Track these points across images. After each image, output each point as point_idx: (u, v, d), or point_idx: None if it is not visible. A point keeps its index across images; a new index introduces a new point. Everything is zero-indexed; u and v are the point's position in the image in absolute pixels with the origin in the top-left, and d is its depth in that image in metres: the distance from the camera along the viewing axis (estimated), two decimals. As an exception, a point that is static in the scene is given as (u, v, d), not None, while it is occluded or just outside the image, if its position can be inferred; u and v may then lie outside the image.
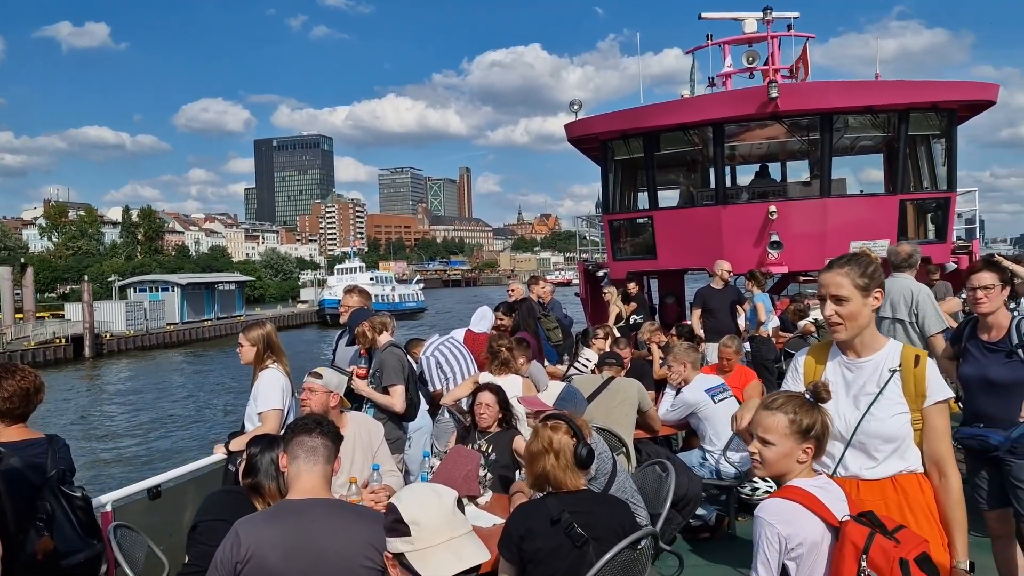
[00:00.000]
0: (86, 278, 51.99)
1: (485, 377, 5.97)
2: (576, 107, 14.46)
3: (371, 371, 5.75)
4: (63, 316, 47.09)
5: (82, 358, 41.82)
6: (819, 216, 12.20)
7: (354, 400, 5.68)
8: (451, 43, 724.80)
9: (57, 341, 41.27)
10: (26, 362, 33.35)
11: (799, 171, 16.13)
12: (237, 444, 4.82)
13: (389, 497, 4.09)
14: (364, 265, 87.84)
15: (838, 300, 2.74)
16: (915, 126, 12.40)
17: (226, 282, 63.46)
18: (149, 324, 48.79)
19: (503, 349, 5.98)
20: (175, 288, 54.83)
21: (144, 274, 71.13)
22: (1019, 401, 4.04)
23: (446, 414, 6.10)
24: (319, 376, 4.45)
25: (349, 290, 6.93)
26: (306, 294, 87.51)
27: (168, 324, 51.21)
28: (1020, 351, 4.02)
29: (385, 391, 5.61)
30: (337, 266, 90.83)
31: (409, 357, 6.09)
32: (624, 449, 5.39)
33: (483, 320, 7.84)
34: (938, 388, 2.74)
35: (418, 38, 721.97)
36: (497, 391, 5.06)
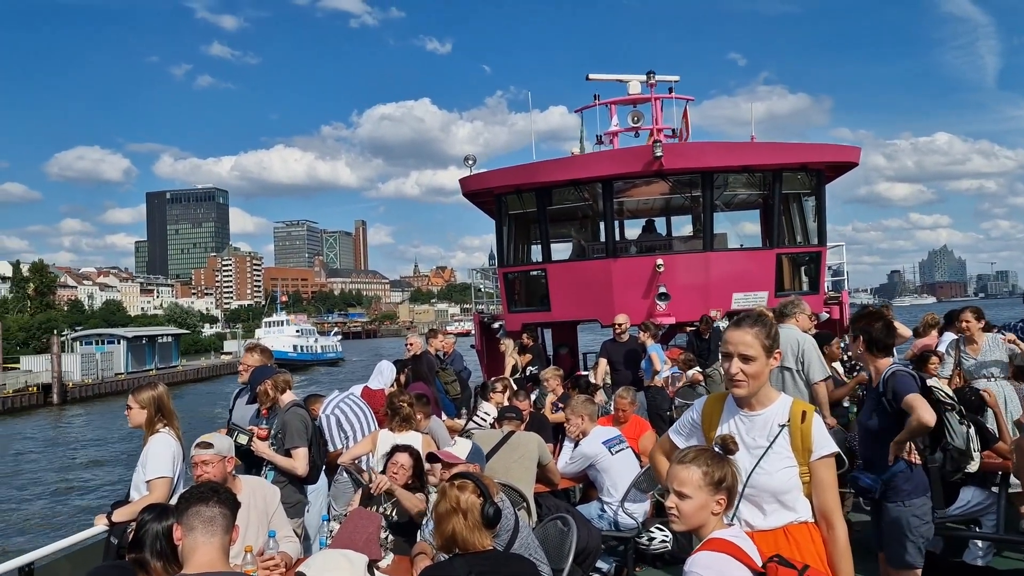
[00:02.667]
0: (56, 332, 59.10)
1: (384, 435, 5.90)
2: (471, 162, 14.71)
3: (273, 432, 5.58)
4: (18, 367, 52.46)
5: (50, 404, 47.38)
6: (703, 269, 12.78)
7: (253, 462, 5.49)
8: (340, 95, 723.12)
9: (30, 389, 47.51)
10: (5, 408, 44.12)
11: (683, 226, 16.89)
12: (121, 515, 4.56)
13: (287, 565, 3.97)
14: (289, 319, 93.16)
15: (745, 359, 2.89)
16: (787, 184, 13.25)
17: (165, 335, 70.43)
18: (101, 374, 54.15)
19: (404, 405, 5.94)
20: (121, 341, 59.94)
21: (48, 330, 76.87)
22: (887, 446, 4.33)
23: (344, 474, 5.97)
24: (209, 446, 4.25)
25: (251, 348, 6.73)
26: (229, 346, 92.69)
27: (116, 374, 55.95)
28: (884, 399, 4.29)
29: (287, 453, 5.44)
30: (265, 319, 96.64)
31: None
32: (525, 504, 5.42)
33: (380, 376, 7.75)
34: (823, 443, 2.89)
35: (306, 90, 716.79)
36: (413, 453, 5.02)
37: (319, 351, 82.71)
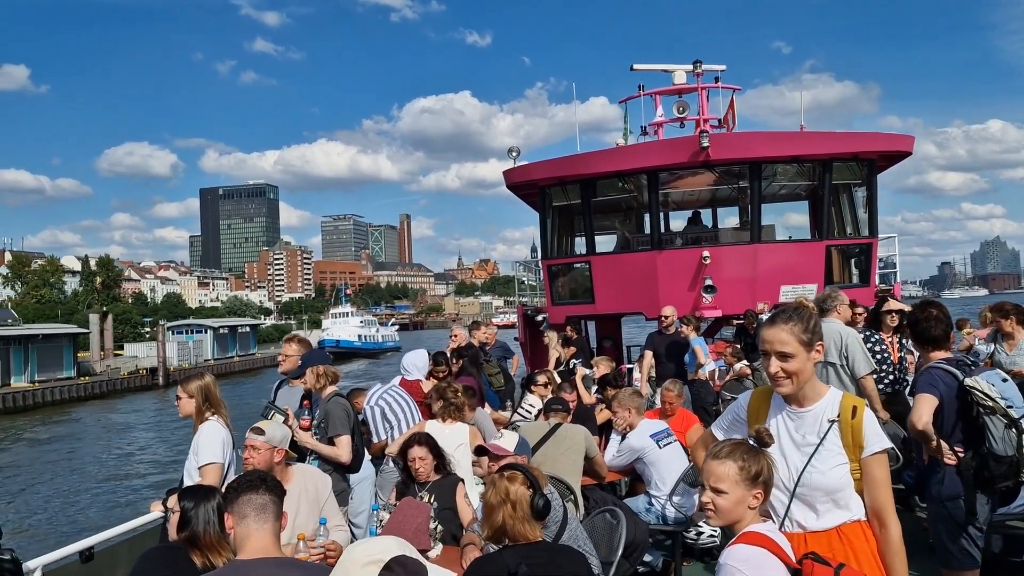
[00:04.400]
0: (162, 322, 65.70)
1: (431, 425, 5.92)
2: (515, 154, 14.71)
3: (315, 422, 5.65)
4: (122, 354, 60.03)
5: (156, 385, 53.15)
6: (750, 261, 12.60)
7: (298, 452, 5.55)
8: (381, 89, 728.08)
9: (141, 372, 54.25)
10: (122, 387, 51.18)
11: (729, 217, 16.68)
12: (176, 501, 4.66)
13: (337, 553, 4.00)
14: (354, 310, 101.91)
15: (783, 356, 2.79)
16: (838, 175, 12.99)
17: (243, 325, 77.76)
18: (195, 359, 60.38)
19: (456, 394, 5.94)
20: (207, 331, 67.08)
21: (123, 321, 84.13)
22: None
23: (390, 464, 6.01)
24: (261, 432, 4.31)
25: (289, 339, 6.81)
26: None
27: (206, 360, 62.23)
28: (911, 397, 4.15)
29: (330, 442, 5.50)
30: (331, 310, 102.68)
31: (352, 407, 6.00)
32: (572, 496, 5.39)
33: (415, 367, 7.73)
34: (875, 439, 2.80)
35: (348, 84, 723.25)
36: (427, 441, 5.02)
37: (381, 340, 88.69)
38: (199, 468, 4.77)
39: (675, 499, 5.82)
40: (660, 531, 5.98)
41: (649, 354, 10.55)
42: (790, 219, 16.60)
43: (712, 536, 6.04)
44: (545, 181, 14.28)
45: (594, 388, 9.37)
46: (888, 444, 2.88)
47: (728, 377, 10.38)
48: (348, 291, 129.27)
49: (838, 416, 2.82)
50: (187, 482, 4.89)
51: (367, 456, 6.22)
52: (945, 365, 4.28)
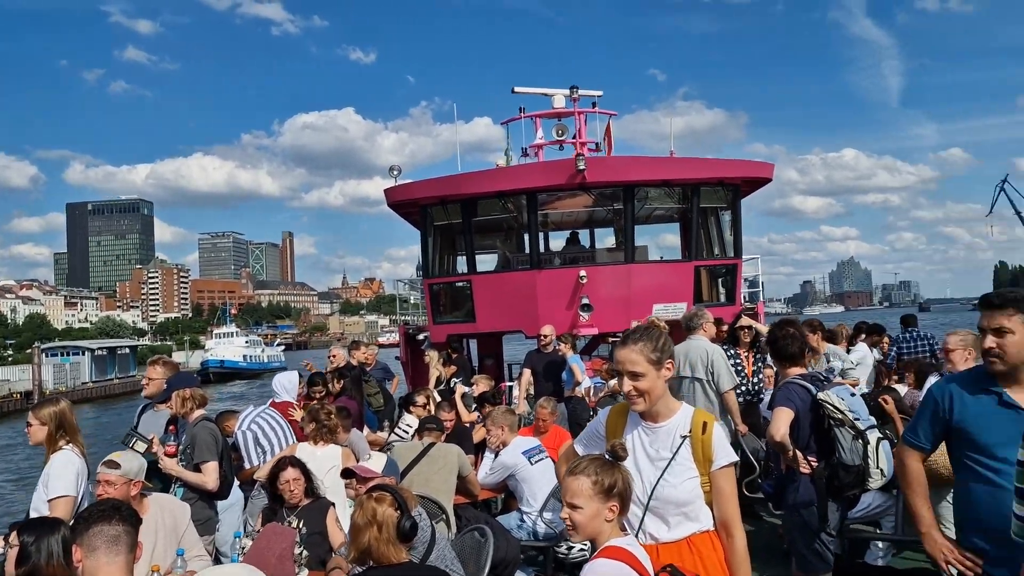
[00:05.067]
0: (37, 344, 62.41)
1: (303, 448, 5.83)
2: (396, 172, 14.67)
3: (181, 447, 5.45)
4: None
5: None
6: (625, 281, 13.03)
7: (162, 478, 5.35)
8: (261, 103, 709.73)
9: (15, 396, 51.40)
10: None
11: (606, 238, 17.19)
12: (16, 535, 4.38)
13: (196, 584, 3.89)
14: (238, 330, 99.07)
15: (634, 376, 2.92)
16: (705, 199, 13.64)
17: (123, 346, 75.20)
18: (71, 382, 57.94)
19: (327, 416, 5.87)
20: (85, 352, 63.99)
21: None
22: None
23: (260, 491, 5.87)
24: (116, 466, 4.10)
25: (153, 362, 6.56)
26: (177, 357, 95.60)
27: (83, 383, 60.09)
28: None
29: (197, 469, 5.32)
30: (214, 330, 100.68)
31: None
32: (444, 516, 5.43)
33: (285, 388, 7.62)
34: (723, 453, 2.97)
35: (226, 97, 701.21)
36: (299, 463, 4.97)
37: (266, 360, 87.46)
38: (48, 501, 4.51)
39: (546, 515, 5.95)
40: (532, 547, 6.09)
41: (528, 372, 10.73)
42: (666, 239, 17.28)
43: (583, 550, 6.19)
44: (426, 200, 14.31)
45: (474, 406, 9.46)
46: (735, 458, 3.07)
47: (603, 393, 10.69)
48: (232, 311, 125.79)
49: (690, 431, 2.98)
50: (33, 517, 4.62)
51: (236, 482, 6.05)
52: (800, 380, 4.59)
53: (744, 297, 14.72)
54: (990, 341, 3.12)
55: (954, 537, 3.38)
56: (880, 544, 6.16)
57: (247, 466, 6.34)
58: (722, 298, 14.27)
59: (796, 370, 4.70)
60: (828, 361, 8.82)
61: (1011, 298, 3.14)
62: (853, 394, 4.60)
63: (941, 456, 3.60)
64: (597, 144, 15.75)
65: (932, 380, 5.22)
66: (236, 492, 6.04)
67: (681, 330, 7.51)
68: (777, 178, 14.73)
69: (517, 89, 16.17)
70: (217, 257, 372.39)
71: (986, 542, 3.13)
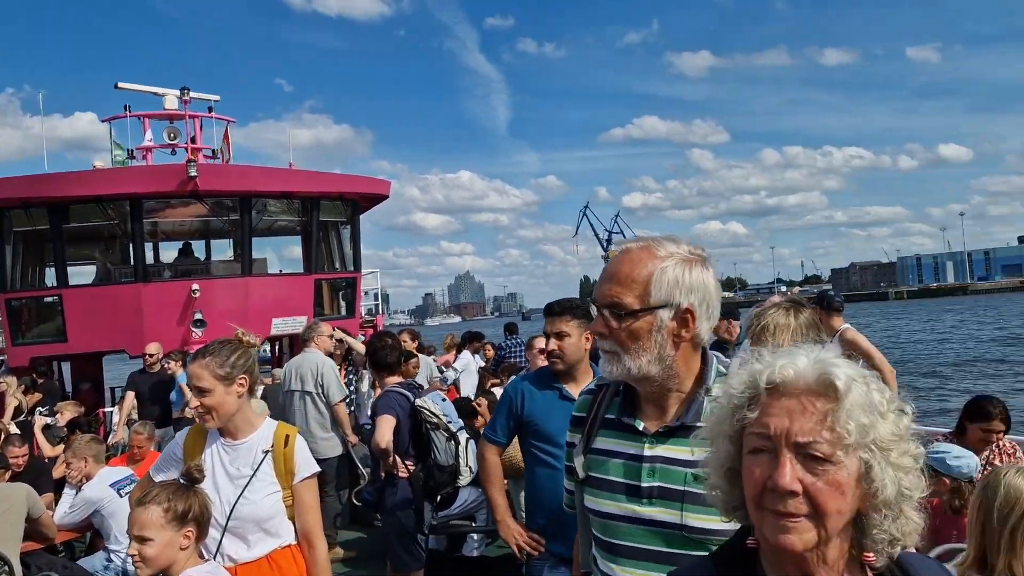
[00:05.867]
0: None
1: None
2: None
3: None
4: None
5: None
6: (242, 294, 12.57)
7: None
8: None
9: None
10: None
11: (224, 250, 16.43)
12: None
13: None
14: None
15: (200, 392, 2.81)
16: (325, 212, 13.75)
17: None
18: None
19: None
20: None
21: None
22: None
23: None
24: None
25: None
26: None
27: None
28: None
29: None
30: None
31: None
32: (7, 568, 4.71)
33: None
34: (305, 465, 2.97)
35: None
36: None
37: None
38: None
39: (137, 550, 5.46)
40: (122, 587, 5.55)
41: (131, 395, 9.77)
42: (294, 252, 17.02)
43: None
44: (5, 203, 12.36)
45: (62, 436, 8.35)
46: (317, 469, 3.10)
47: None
48: None
49: (272, 446, 2.95)
50: None
51: None
52: (399, 388, 4.84)
53: (371, 310, 15.11)
54: (552, 344, 3.57)
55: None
56: (475, 536, 6.71)
57: None
58: (343, 311, 14.47)
59: (394, 379, 4.94)
60: (442, 372, 9.49)
61: (568, 306, 3.62)
62: (444, 399, 4.98)
63: (517, 450, 4.04)
64: (214, 151, 15.00)
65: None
66: None
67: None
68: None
69: (121, 85, 14.76)
70: None
71: (547, 521, 3.53)
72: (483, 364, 11.36)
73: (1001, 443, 4.55)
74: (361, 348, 9.54)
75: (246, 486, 2.87)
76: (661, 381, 1.73)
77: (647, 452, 1.74)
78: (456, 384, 9.90)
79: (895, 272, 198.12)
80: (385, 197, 15.00)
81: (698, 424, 1.67)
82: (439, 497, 5.20)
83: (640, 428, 1.76)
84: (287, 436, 2.98)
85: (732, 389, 1.15)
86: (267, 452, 2.93)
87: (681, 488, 1.68)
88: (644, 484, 1.72)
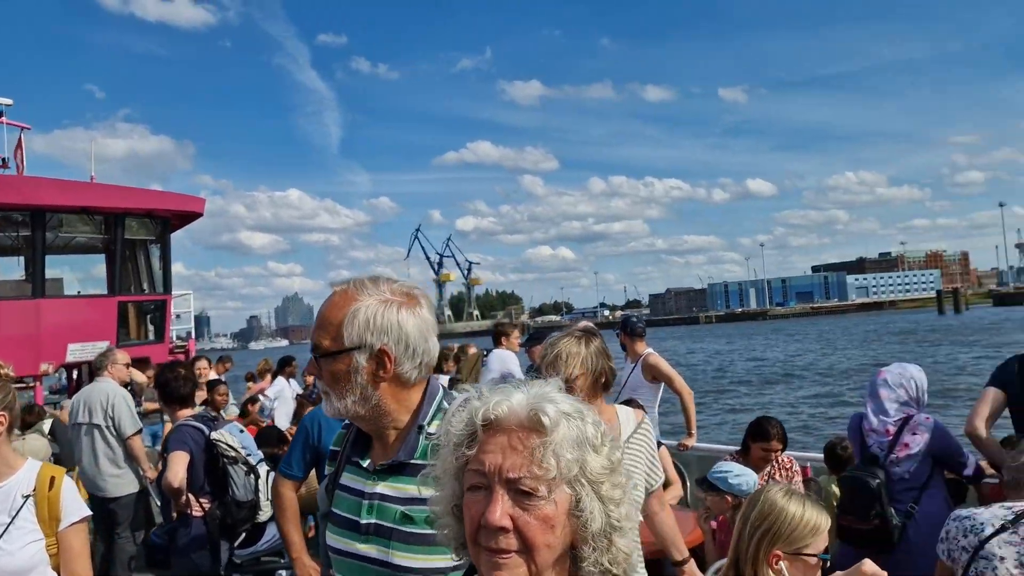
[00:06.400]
0: None
1: None
2: None
3: None
4: None
5: None
6: (32, 317, 11.50)
7: None
8: None
9: None
10: None
11: (14, 268, 14.98)
12: None
13: None
14: None
15: None
16: (131, 230, 12.89)
17: None
18: None
19: None
20: None
21: None
22: None
23: None
24: None
25: None
26: None
27: None
28: None
29: None
30: None
31: None
32: None
33: None
34: (74, 509, 2.73)
35: None
36: None
37: None
38: None
39: None
40: None
41: None
42: (98, 272, 15.77)
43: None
44: None
45: None
46: (87, 512, 2.86)
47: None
48: None
49: (34, 490, 2.71)
50: None
51: None
52: (193, 422, 4.57)
53: (174, 334, 14.26)
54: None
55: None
56: (284, 573, 6.48)
57: None
58: (151, 336, 13.59)
59: (186, 412, 4.69)
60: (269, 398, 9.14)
61: None
62: (242, 430, 4.79)
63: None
64: (4, 160, 13.70)
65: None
66: None
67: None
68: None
69: None
70: None
71: None
72: (300, 391, 11.02)
73: (780, 459, 4.98)
74: (142, 378, 9.01)
75: (2, 535, 2.62)
76: (373, 420, 1.76)
77: (368, 489, 1.76)
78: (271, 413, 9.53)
79: (706, 298, 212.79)
80: (199, 215, 14.26)
81: (413, 461, 1.72)
82: (243, 534, 4.97)
83: (365, 464, 1.79)
84: (52, 478, 2.73)
85: (452, 427, 1.16)
86: (28, 496, 2.68)
87: (391, 525, 1.69)
88: (363, 521, 1.73)
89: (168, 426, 4.64)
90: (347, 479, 1.83)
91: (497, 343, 7.60)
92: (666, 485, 5.66)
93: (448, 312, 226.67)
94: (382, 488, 1.74)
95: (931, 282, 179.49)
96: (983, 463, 3.89)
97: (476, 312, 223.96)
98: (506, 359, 7.32)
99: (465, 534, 1.14)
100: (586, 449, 1.11)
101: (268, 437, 6.66)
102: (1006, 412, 4.00)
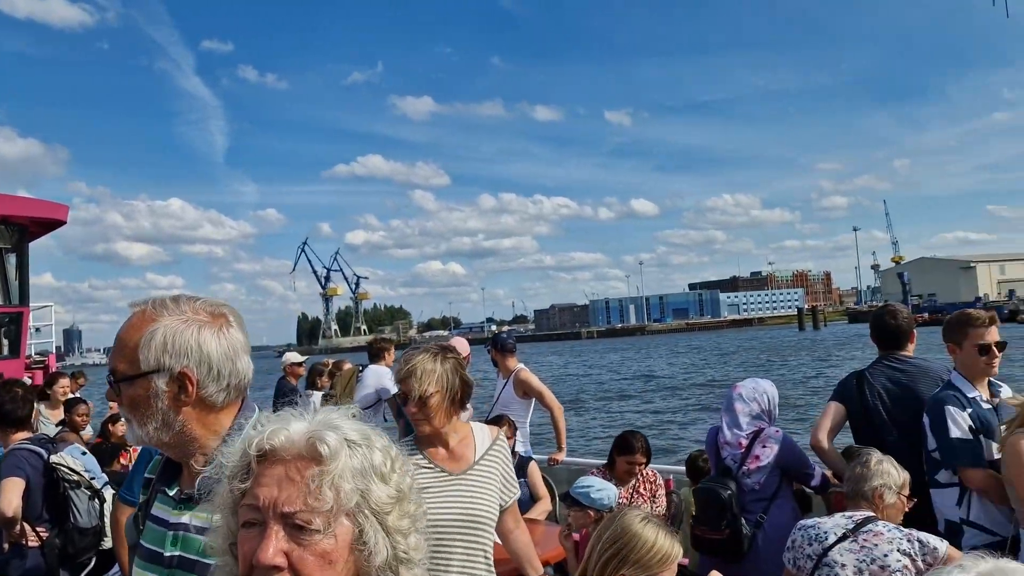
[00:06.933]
0: None
1: None
2: None
3: None
4: None
5: None
6: None
7: None
8: None
9: None
10: None
11: None
12: None
13: None
14: None
15: None
16: (-17, 238, 12.01)
17: None
18: None
19: None
20: None
21: None
22: None
23: None
24: None
25: None
26: None
27: None
28: None
29: None
30: None
31: None
32: None
33: None
34: None
35: None
36: None
37: None
38: None
39: None
40: None
41: None
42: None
43: None
44: None
45: None
46: None
47: None
48: None
49: None
50: None
51: None
52: (29, 445, 4.28)
53: (32, 349, 13.34)
54: None
55: None
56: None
57: None
58: (4, 351, 12.65)
59: (22, 435, 4.40)
60: None
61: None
62: (84, 452, 4.55)
63: None
64: None
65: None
66: None
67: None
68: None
69: None
70: None
71: None
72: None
73: (644, 472, 5.17)
74: None
75: None
76: (178, 447, 1.66)
77: (172, 519, 1.65)
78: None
79: (588, 313, 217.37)
80: (62, 223, 13.40)
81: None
82: (90, 563, 4.69)
83: (172, 493, 1.69)
84: None
85: (225, 458, 1.10)
86: None
87: (194, 558, 1.59)
88: (167, 553, 1.63)
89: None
90: (157, 509, 1.71)
91: (375, 359, 7.55)
92: (537, 500, 5.81)
93: (335, 327, 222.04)
94: (187, 518, 1.62)
95: (796, 300, 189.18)
96: (828, 473, 4.17)
97: (364, 327, 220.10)
98: (382, 375, 7.28)
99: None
100: (371, 478, 1.07)
101: (101, 454, 6.03)
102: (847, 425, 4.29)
